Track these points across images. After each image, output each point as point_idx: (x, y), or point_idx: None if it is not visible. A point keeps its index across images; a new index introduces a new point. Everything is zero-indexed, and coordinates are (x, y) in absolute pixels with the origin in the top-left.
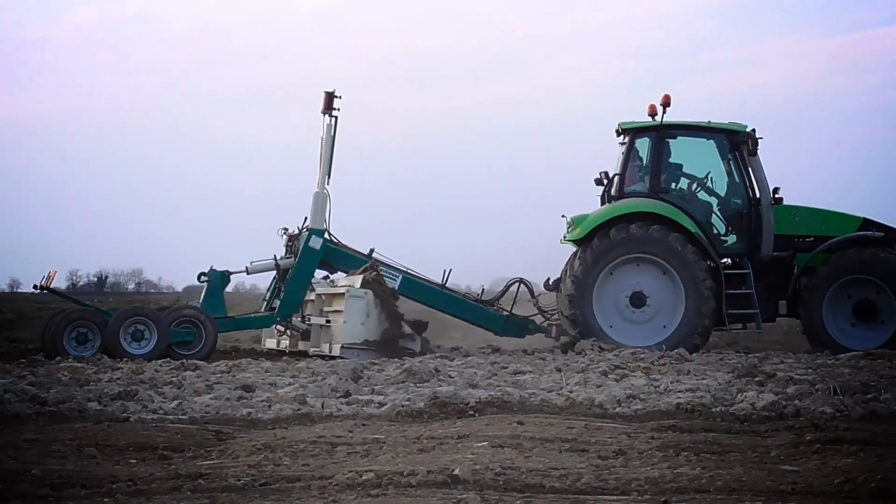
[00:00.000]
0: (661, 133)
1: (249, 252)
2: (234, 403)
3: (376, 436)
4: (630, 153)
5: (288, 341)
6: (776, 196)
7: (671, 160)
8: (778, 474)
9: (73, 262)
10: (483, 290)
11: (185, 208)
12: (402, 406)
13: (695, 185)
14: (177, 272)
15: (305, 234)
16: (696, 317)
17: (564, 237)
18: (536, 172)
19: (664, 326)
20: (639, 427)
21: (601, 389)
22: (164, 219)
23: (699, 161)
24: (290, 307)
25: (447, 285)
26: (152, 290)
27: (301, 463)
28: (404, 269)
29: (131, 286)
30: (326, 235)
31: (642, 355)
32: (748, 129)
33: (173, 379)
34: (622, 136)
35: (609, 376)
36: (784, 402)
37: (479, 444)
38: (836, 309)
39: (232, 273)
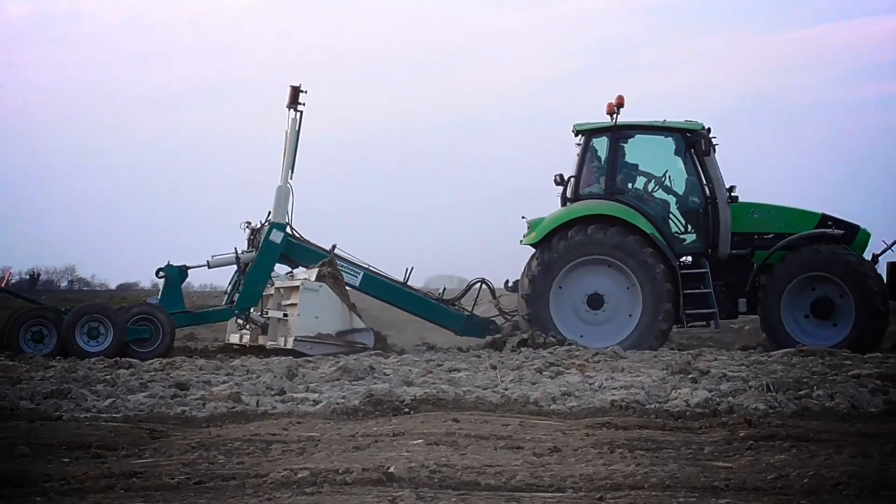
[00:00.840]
0: (617, 134)
1: (198, 247)
2: (169, 402)
3: (311, 434)
4: (585, 154)
5: (249, 336)
6: (732, 194)
7: (628, 160)
8: (711, 471)
9: (5, 259)
10: (444, 289)
11: (121, 204)
12: (338, 404)
13: (652, 185)
14: (111, 270)
15: (267, 227)
16: (654, 317)
17: (521, 240)
18: (501, 171)
19: (620, 328)
20: (573, 424)
21: (536, 387)
22: (97, 215)
23: (656, 160)
24: (249, 301)
25: (409, 283)
26: (85, 288)
27: (236, 461)
28: (365, 266)
29: (64, 284)
30: (288, 230)
31: (577, 353)
32: (703, 129)
33: (107, 377)
34: (579, 137)
35: (544, 374)
36: (718, 399)
37: (415, 442)
38: (795, 306)
39: (190, 267)
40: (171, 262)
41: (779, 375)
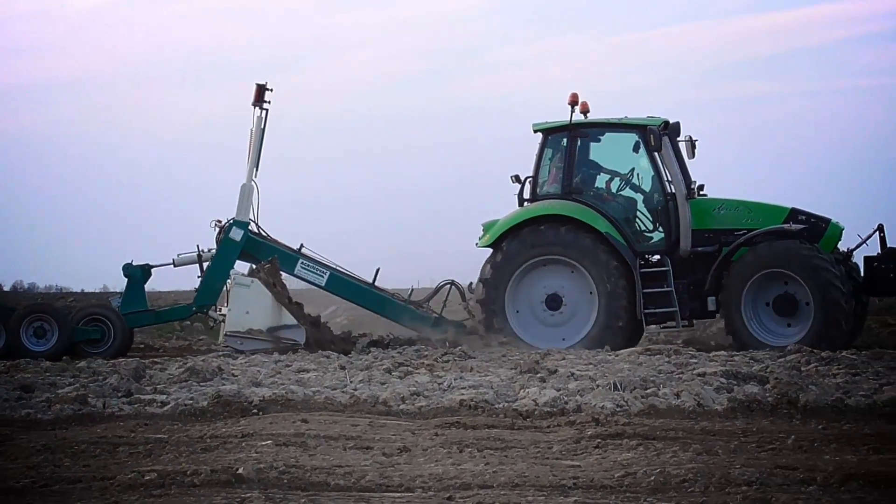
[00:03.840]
0: (574, 132)
1: (173, 246)
2: (13, 404)
3: (159, 435)
4: (543, 154)
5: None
6: (700, 191)
7: (593, 158)
8: (560, 469)
9: None
10: (412, 290)
11: (92, 207)
12: (185, 405)
13: (617, 183)
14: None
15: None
16: (610, 317)
17: (477, 243)
18: (462, 175)
19: (579, 328)
20: (423, 424)
21: (385, 387)
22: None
23: (621, 158)
24: (207, 298)
25: (376, 284)
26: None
27: (82, 464)
28: (332, 266)
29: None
30: (254, 227)
31: (426, 353)
32: (658, 125)
33: None
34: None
35: (393, 374)
36: (565, 398)
37: (263, 443)
38: (758, 304)
39: (154, 266)
40: (133, 262)
41: (625, 374)
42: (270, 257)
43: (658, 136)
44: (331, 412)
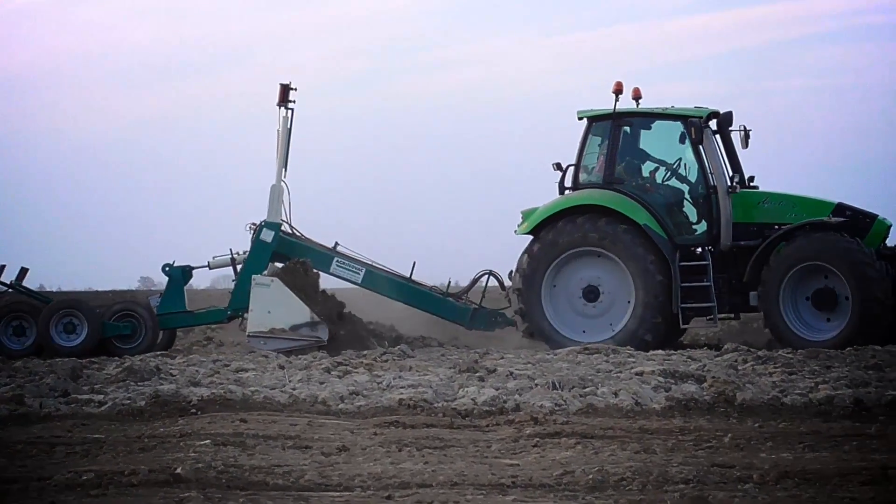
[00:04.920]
0: (617, 121)
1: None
2: None
3: (96, 435)
4: (586, 141)
5: None
6: (750, 183)
7: (641, 147)
8: (499, 468)
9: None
10: (450, 282)
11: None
12: (123, 405)
13: (663, 173)
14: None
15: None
16: (646, 311)
17: (516, 231)
18: (506, 162)
19: (616, 322)
20: (362, 423)
21: (324, 386)
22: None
23: (668, 148)
24: (240, 301)
25: (413, 278)
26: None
27: (18, 464)
28: (368, 262)
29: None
30: (287, 228)
31: (365, 352)
32: (703, 115)
33: None
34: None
35: (332, 373)
36: (504, 397)
37: (202, 443)
38: (797, 299)
39: (194, 268)
40: (174, 262)
41: (564, 373)
42: (328, 255)
43: (700, 128)
44: (270, 412)
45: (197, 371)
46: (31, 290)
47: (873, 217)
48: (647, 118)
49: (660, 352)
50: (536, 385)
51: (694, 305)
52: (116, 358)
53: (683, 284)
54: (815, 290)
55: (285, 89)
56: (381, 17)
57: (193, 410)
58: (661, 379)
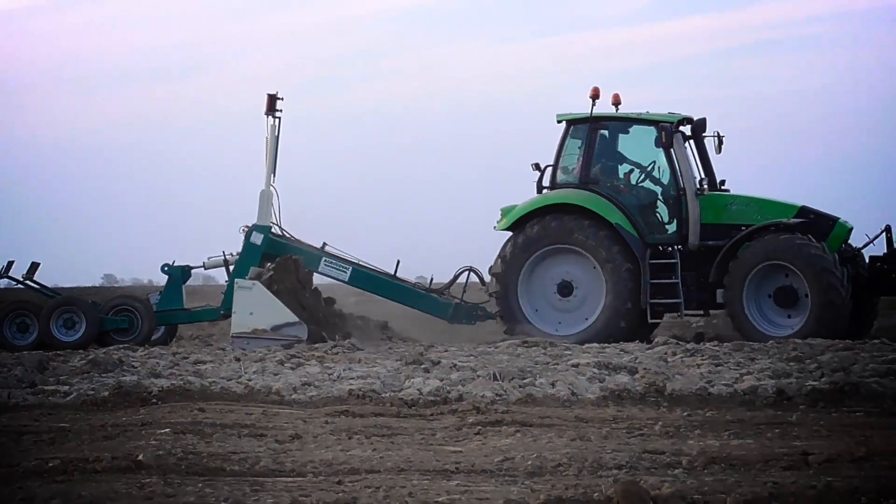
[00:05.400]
0: (593, 125)
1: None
2: None
3: (62, 424)
4: (564, 144)
5: None
6: (721, 187)
7: (619, 150)
8: (443, 455)
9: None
10: (432, 279)
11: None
12: (87, 395)
13: (634, 175)
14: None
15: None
16: (616, 306)
17: (495, 227)
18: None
19: (588, 316)
20: (313, 412)
21: (278, 377)
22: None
23: (644, 151)
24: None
25: (398, 275)
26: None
27: None
28: (355, 261)
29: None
30: (276, 230)
31: (316, 345)
32: (674, 121)
33: None
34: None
35: (285, 365)
36: (448, 388)
37: (162, 431)
38: (759, 296)
39: (193, 268)
40: (174, 262)
41: (504, 365)
42: (316, 254)
43: (669, 133)
44: (226, 402)
45: (157, 363)
46: (42, 286)
47: (835, 220)
48: (622, 122)
49: (594, 345)
50: (478, 376)
51: (662, 301)
52: (80, 351)
53: (652, 281)
54: (776, 288)
55: (272, 99)
56: (383, 16)
57: (154, 401)
58: (595, 370)
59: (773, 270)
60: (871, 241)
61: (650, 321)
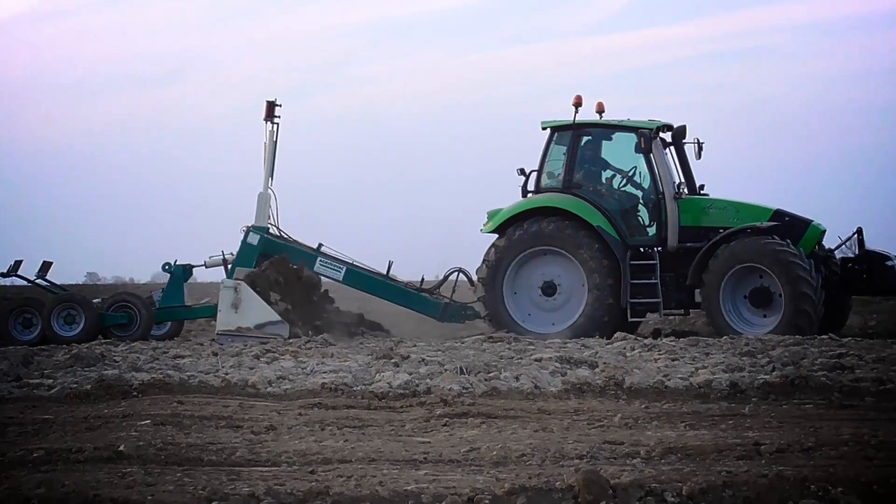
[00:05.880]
0: (576, 131)
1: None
2: None
3: (46, 416)
4: (548, 150)
5: None
6: (701, 191)
7: (603, 156)
8: (412, 445)
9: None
10: (423, 279)
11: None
12: (71, 388)
13: (619, 180)
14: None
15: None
16: (597, 307)
17: (481, 229)
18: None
19: (571, 315)
20: (288, 405)
21: (254, 371)
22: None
23: (626, 157)
24: None
25: (390, 275)
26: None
27: None
28: (349, 262)
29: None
30: (274, 231)
31: (291, 340)
32: (653, 128)
33: None
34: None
35: (261, 359)
36: (417, 381)
37: (143, 423)
38: (735, 297)
39: (194, 266)
40: (176, 261)
41: (471, 359)
42: (312, 255)
43: (648, 139)
44: (204, 395)
45: (138, 357)
46: (53, 284)
47: (808, 222)
48: (604, 129)
49: (557, 341)
50: (446, 370)
51: (642, 301)
52: (64, 346)
53: (633, 281)
54: (751, 289)
55: (271, 106)
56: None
57: (135, 393)
58: (557, 364)
59: (748, 272)
60: (844, 243)
61: (630, 320)
